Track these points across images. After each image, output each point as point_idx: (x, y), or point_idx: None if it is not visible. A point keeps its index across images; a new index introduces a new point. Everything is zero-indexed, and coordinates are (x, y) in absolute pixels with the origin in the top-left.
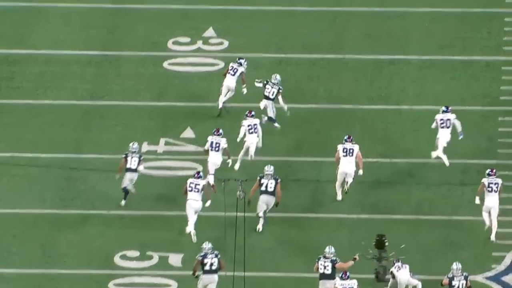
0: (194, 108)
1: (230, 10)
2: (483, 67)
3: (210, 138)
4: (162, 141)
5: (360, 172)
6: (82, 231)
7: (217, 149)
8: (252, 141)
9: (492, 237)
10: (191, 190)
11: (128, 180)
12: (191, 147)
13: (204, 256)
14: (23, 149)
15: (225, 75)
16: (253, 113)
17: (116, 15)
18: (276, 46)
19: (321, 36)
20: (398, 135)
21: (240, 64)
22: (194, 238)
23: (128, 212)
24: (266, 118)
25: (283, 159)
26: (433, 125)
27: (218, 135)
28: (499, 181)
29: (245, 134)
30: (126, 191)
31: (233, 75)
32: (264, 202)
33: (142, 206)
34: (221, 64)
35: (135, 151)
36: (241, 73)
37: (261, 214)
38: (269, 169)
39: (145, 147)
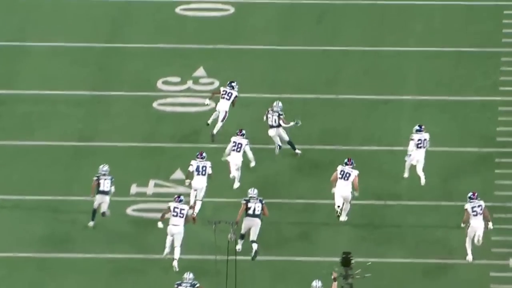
0: (184, 149)
1: (221, 49)
2: (479, 108)
3: (194, 162)
4: (152, 182)
5: (356, 194)
6: (71, 276)
7: (203, 173)
8: (235, 160)
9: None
10: (175, 215)
11: (100, 202)
12: (181, 189)
13: (179, 285)
14: (10, 191)
15: (212, 96)
16: (243, 132)
17: (106, 54)
18: (268, 86)
19: (315, 75)
20: (393, 176)
21: (233, 88)
22: (176, 267)
23: (117, 256)
24: (278, 147)
25: (274, 201)
26: (410, 146)
27: (202, 158)
28: (482, 203)
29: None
30: (95, 212)
31: (228, 99)
32: (249, 226)
33: (132, 250)
34: (212, 105)
35: (105, 173)
36: (235, 97)
37: (240, 246)
38: (253, 192)
39: (134, 189)
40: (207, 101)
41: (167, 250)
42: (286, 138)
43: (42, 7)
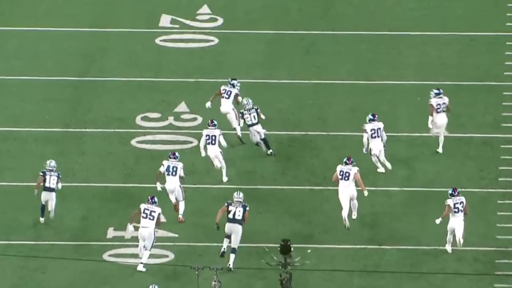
0: (163, 190)
1: (204, 82)
2: (479, 145)
3: (166, 162)
4: (130, 226)
5: (365, 193)
6: None
7: (174, 173)
8: (213, 153)
9: (449, 249)
10: (145, 217)
11: (45, 199)
12: (161, 232)
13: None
14: None
15: (213, 98)
16: (214, 122)
17: (79, 87)
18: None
19: (303, 111)
20: (387, 219)
21: (233, 86)
22: (141, 270)
23: None
24: (271, 151)
25: (261, 245)
26: (364, 139)
27: (175, 158)
28: (463, 199)
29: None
30: (44, 208)
31: (228, 98)
32: (230, 230)
33: None
34: (195, 142)
35: (53, 169)
36: (235, 95)
37: (225, 245)
38: (238, 196)
39: (111, 233)
40: (208, 104)
41: (141, 247)
42: (263, 135)
43: (12, 38)
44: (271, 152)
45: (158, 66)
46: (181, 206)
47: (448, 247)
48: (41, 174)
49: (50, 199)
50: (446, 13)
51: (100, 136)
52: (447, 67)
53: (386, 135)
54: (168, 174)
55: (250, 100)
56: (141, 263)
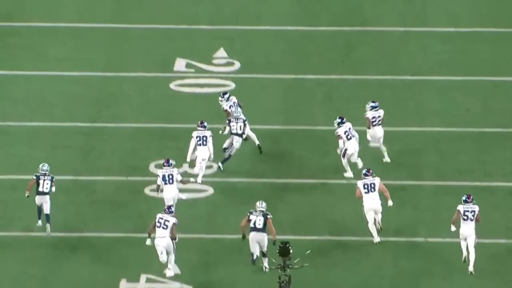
0: (179, 241)
1: (220, 129)
2: (506, 195)
3: (160, 172)
4: (143, 277)
5: (390, 203)
6: None
7: (171, 181)
8: (204, 155)
9: (470, 268)
10: (159, 226)
11: (39, 203)
12: (176, 285)
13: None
14: None
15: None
16: (204, 124)
17: (90, 134)
18: (272, 172)
19: (324, 158)
20: (414, 274)
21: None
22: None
23: None
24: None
25: None
26: (341, 144)
27: (169, 166)
28: (476, 208)
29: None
30: (40, 211)
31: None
32: (255, 240)
33: None
34: (210, 190)
35: (45, 173)
36: (227, 111)
37: (255, 255)
38: (261, 205)
39: (124, 284)
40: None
41: (162, 259)
42: (237, 147)
43: (21, 83)
44: (219, 167)
45: (172, 112)
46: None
47: (463, 254)
48: (34, 177)
49: (44, 202)
50: (471, 57)
51: (111, 184)
52: (472, 113)
53: (412, 183)
54: (166, 183)
55: (240, 110)
56: (168, 268)
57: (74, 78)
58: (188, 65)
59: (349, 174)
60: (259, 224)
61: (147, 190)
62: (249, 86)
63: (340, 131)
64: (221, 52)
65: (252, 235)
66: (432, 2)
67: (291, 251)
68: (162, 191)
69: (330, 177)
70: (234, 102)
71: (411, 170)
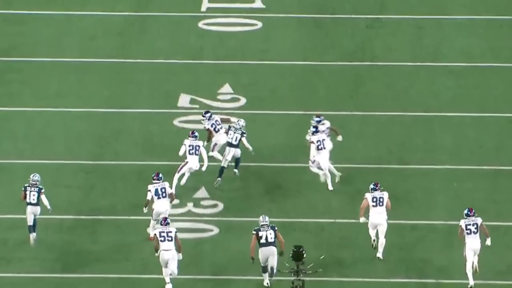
0: (183, 281)
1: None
2: None
3: (151, 187)
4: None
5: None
6: None
7: (163, 195)
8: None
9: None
10: (163, 240)
11: (31, 214)
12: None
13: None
14: None
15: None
16: (195, 133)
17: (92, 172)
18: (278, 210)
19: (333, 197)
20: None
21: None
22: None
23: None
24: (236, 171)
25: None
26: (313, 151)
27: (158, 179)
28: (478, 221)
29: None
30: (30, 228)
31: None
32: (266, 255)
33: None
34: (216, 230)
35: (35, 183)
36: (207, 130)
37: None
38: (264, 220)
39: None
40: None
41: (166, 273)
42: (238, 155)
43: (21, 119)
44: (235, 172)
45: (176, 149)
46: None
47: (471, 282)
48: (23, 189)
49: (35, 213)
50: (484, 92)
51: (114, 223)
52: (485, 150)
53: (423, 222)
54: (158, 197)
55: (241, 122)
56: (168, 282)
57: (75, 114)
58: (192, 101)
59: (322, 178)
60: (271, 238)
61: (150, 230)
62: (255, 123)
63: (314, 138)
64: (226, 88)
65: (264, 250)
66: (444, 36)
67: (304, 255)
68: (146, 206)
69: (339, 216)
70: (216, 121)
71: (422, 209)
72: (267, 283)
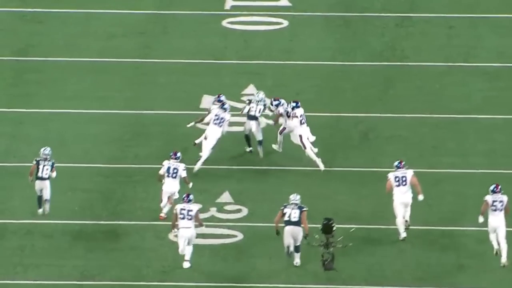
0: None
1: (248, 170)
2: None
3: (166, 163)
4: (171, 234)
5: (420, 197)
6: None
7: (174, 175)
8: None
9: (503, 260)
10: (183, 218)
11: (39, 189)
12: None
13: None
14: None
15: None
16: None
17: (111, 176)
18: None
19: (359, 202)
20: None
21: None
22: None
23: None
24: (249, 148)
25: None
26: (294, 123)
27: (176, 159)
28: (504, 198)
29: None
30: (40, 200)
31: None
32: (289, 234)
33: None
34: (240, 236)
35: (47, 158)
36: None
37: (289, 249)
38: (295, 198)
39: None
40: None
41: (181, 248)
42: (259, 136)
43: (37, 122)
44: (250, 150)
45: (198, 152)
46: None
47: (495, 244)
48: (34, 162)
49: (44, 188)
50: None
51: (135, 228)
52: None
53: (455, 229)
54: (168, 176)
55: (261, 95)
56: (185, 260)
57: (94, 116)
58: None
59: (277, 147)
60: (295, 217)
61: (172, 236)
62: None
63: (298, 111)
64: (251, 89)
65: (287, 229)
66: (476, 35)
67: (334, 228)
68: (160, 180)
69: (366, 222)
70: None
71: (454, 214)
72: (297, 262)
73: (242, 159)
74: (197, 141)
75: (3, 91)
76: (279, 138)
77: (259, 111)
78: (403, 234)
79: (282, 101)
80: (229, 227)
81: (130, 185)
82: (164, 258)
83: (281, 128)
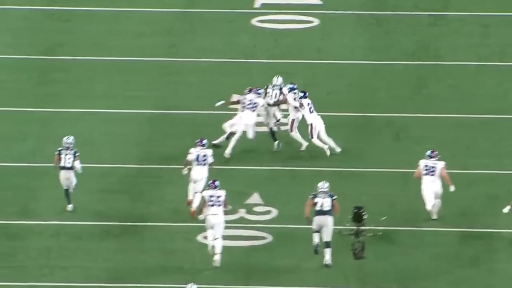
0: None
1: (278, 171)
2: None
3: (194, 151)
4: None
5: (452, 188)
6: None
7: (203, 162)
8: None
9: None
10: (212, 205)
11: (65, 179)
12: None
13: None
14: None
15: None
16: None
17: (139, 177)
18: (334, 217)
19: (390, 201)
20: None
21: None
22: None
23: None
24: (277, 143)
25: None
26: (306, 113)
27: (202, 146)
28: None
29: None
30: (67, 193)
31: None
32: (320, 224)
33: None
34: (269, 238)
35: (69, 147)
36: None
37: (317, 242)
38: (323, 186)
39: None
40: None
41: (210, 244)
42: (272, 124)
43: (65, 122)
44: (278, 144)
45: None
46: (197, 199)
47: None
48: (57, 152)
49: (69, 178)
50: None
51: (163, 231)
52: None
53: (488, 230)
54: (198, 163)
55: (280, 79)
56: (215, 253)
57: (122, 116)
58: None
59: (337, 149)
60: (327, 206)
61: (199, 237)
62: None
63: (304, 101)
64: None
65: (318, 219)
66: (511, 34)
67: (365, 216)
68: (186, 166)
69: (397, 224)
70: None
71: (487, 217)
72: (326, 262)
73: (271, 159)
74: (216, 142)
75: (30, 91)
76: (296, 135)
77: (275, 96)
78: (435, 216)
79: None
80: (258, 229)
81: (158, 186)
82: (193, 259)
83: (289, 125)
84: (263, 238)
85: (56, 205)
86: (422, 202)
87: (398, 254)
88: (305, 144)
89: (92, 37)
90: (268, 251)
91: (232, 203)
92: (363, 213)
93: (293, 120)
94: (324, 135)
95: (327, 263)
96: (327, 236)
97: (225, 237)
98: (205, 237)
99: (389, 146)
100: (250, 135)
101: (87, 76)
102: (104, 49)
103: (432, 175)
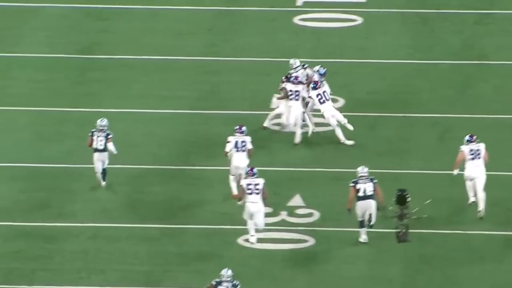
0: None
1: (320, 173)
2: None
3: (232, 138)
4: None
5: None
6: None
7: (243, 149)
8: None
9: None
10: (251, 193)
11: (99, 161)
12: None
13: (219, 284)
14: None
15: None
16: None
17: (177, 178)
18: (380, 218)
19: (436, 205)
20: None
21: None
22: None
23: None
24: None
25: None
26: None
27: (241, 133)
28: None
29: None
30: (104, 173)
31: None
32: (364, 209)
33: None
34: (311, 241)
35: (102, 129)
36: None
37: (364, 237)
38: (363, 171)
39: None
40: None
41: (251, 225)
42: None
43: None
44: (313, 131)
45: (269, 152)
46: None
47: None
48: (90, 134)
49: (102, 160)
50: None
51: (203, 233)
52: None
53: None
54: (238, 150)
55: (298, 61)
56: (252, 235)
57: (160, 116)
58: None
59: (349, 142)
60: (370, 191)
61: (239, 240)
62: (354, 126)
63: (313, 93)
64: (324, 88)
65: (362, 204)
66: None
67: (408, 199)
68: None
69: (441, 227)
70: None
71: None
72: (364, 239)
73: (313, 161)
74: (265, 124)
75: (67, 90)
76: (307, 118)
77: (305, 76)
78: (472, 199)
79: (322, 70)
80: (300, 232)
81: (197, 188)
82: (232, 262)
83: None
84: (305, 241)
85: (93, 207)
86: (467, 206)
87: (442, 258)
88: (311, 128)
89: (130, 36)
90: (309, 255)
91: (274, 205)
92: (407, 196)
93: (308, 102)
94: (338, 118)
95: (364, 241)
96: (371, 221)
97: (265, 240)
98: (246, 240)
99: (434, 147)
100: (292, 120)
101: (124, 75)
102: (142, 48)
103: (479, 158)
